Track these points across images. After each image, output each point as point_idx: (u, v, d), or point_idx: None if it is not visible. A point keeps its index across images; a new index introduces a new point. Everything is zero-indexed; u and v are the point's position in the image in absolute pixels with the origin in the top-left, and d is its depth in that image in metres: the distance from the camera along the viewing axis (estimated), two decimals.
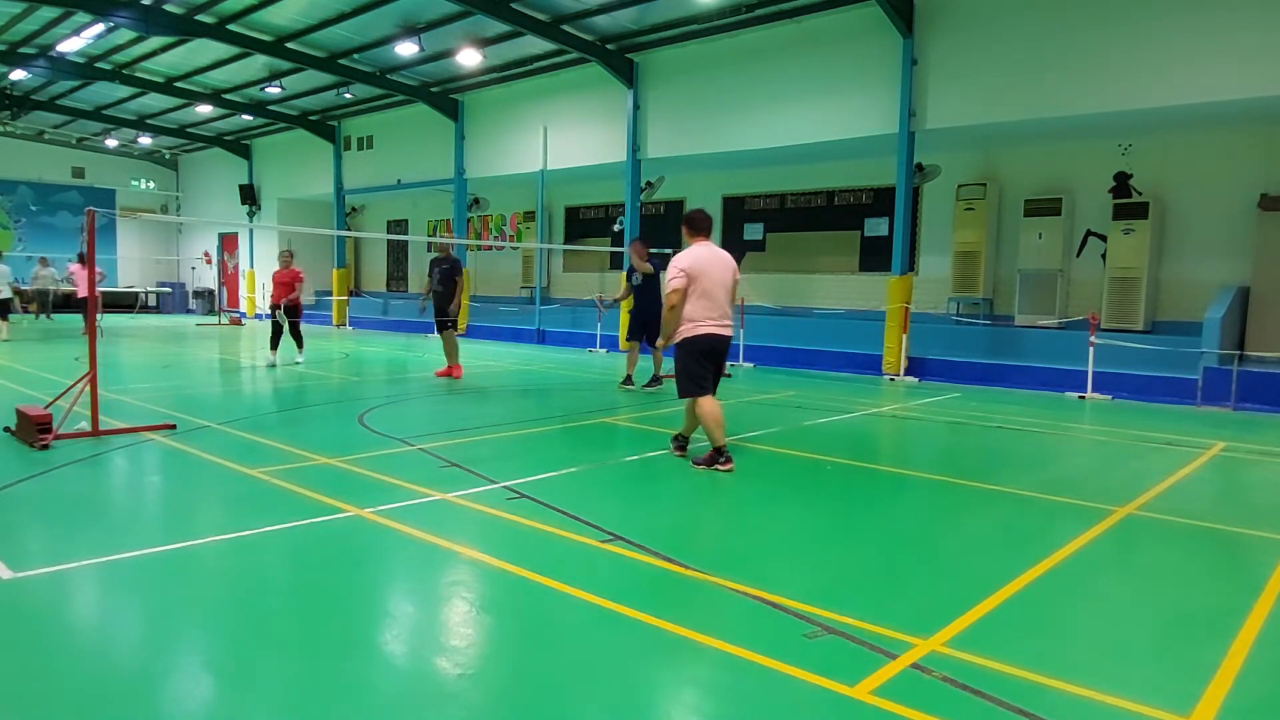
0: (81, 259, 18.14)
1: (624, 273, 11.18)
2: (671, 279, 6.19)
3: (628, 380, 10.84)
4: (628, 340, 11.18)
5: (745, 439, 7.52)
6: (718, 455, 6.16)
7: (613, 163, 16.78)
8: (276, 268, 13.12)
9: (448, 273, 11.64)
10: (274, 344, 12.85)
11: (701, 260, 6.20)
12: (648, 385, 10.68)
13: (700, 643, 3.21)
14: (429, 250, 24.38)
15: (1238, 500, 6.04)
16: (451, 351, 11.83)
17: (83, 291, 17.80)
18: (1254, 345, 11.14)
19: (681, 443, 6.70)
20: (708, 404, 6.20)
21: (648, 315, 10.58)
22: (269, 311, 12.77)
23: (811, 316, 15.55)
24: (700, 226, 6.44)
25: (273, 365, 12.55)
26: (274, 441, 6.89)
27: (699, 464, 6.28)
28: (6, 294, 16.18)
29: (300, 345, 13.06)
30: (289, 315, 12.92)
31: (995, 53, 11.80)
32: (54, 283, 22.94)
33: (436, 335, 12.48)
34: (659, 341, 6.74)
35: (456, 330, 11.98)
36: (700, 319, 6.18)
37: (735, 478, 6.23)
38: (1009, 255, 13.66)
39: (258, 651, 3.13)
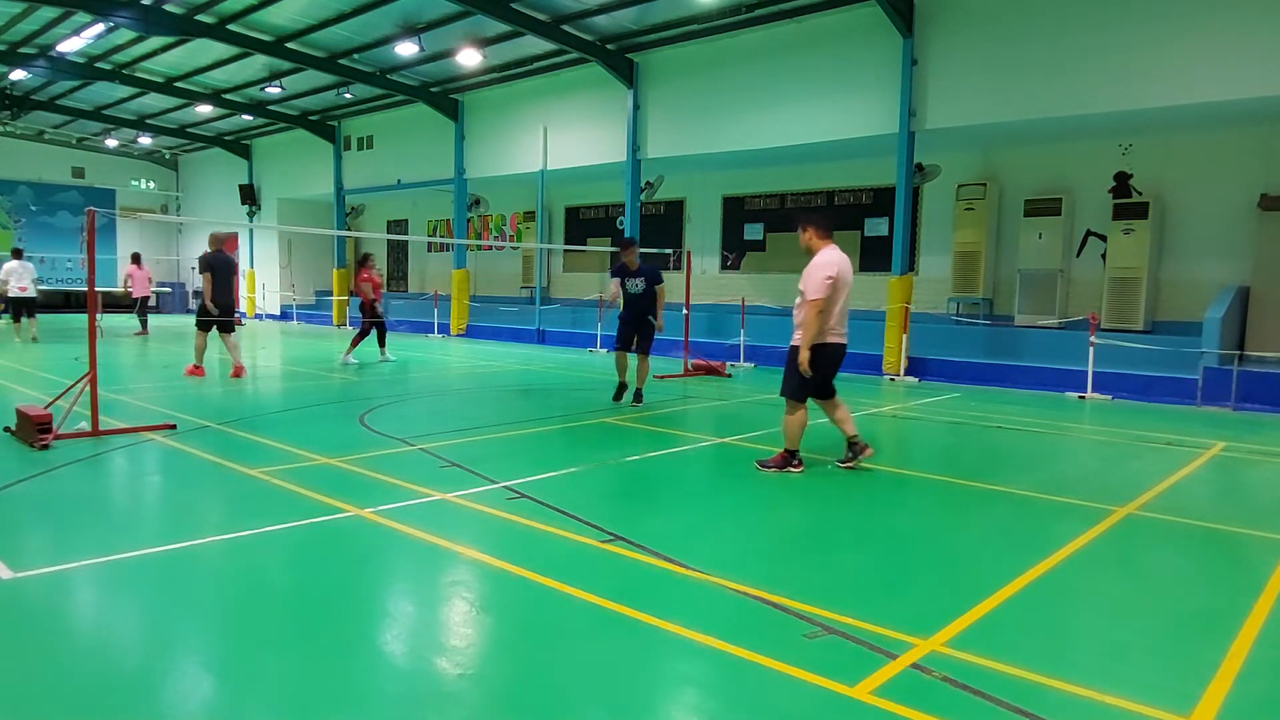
0: (136, 260, 18.60)
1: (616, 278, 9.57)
2: (822, 282, 5.89)
3: (637, 395, 9.55)
4: (618, 348, 9.66)
5: (746, 439, 7.51)
6: (790, 458, 6.16)
7: (613, 163, 16.78)
8: (362, 271, 13.31)
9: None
10: (381, 342, 13.32)
11: (843, 268, 6.04)
12: (629, 400, 9.51)
13: (700, 643, 3.21)
14: (429, 250, 24.42)
15: (1238, 500, 6.04)
16: (197, 350, 11.17)
17: (137, 292, 18.32)
18: (1254, 345, 11.14)
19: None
20: (803, 413, 6.16)
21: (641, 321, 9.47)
22: (369, 314, 13.23)
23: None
24: (830, 230, 6.26)
25: (387, 360, 13.22)
26: (274, 441, 6.89)
27: (767, 466, 6.17)
28: (31, 292, 16.08)
29: (355, 345, 13.27)
30: (370, 314, 13.28)
31: (995, 53, 11.80)
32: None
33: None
34: (804, 354, 5.98)
35: (207, 330, 11.11)
36: (830, 328, 6.02)
37: (735, 478, 6.23)
38: (1009, 255, 13.66)
39: (258, 651, 3.13)
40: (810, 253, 6.18)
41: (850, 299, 6.23)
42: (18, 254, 16.44)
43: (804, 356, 5.93)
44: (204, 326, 11.11)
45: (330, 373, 12.25)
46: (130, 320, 19.00)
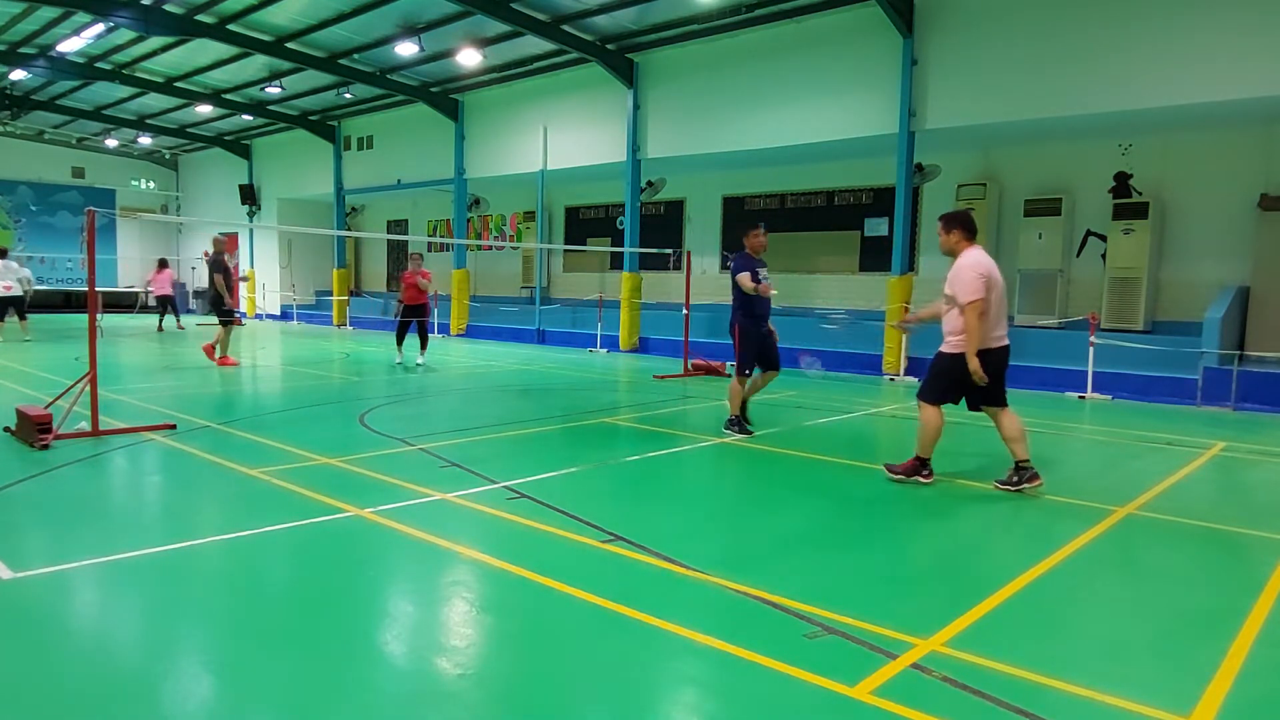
0: (162, 264, 19.91)
1: (743, 273, 7.58)
2: (976, 281, 5.57)
3: (742, 423, 7.72)
4: (746, 372, 7.72)
5: (746, 439, 7.51)
6: (921, 466, 5.86)
7: (613, 163, 16.78)
8: (407, 269, 13.35)
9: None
10: (401, 342, 13.36)
11: (992, 267, 5.70)
12: (736, 428, 7.67)
13: (701, 643, 3.21)
14: (429, 250, 24.41)
15: (1238, 500, 6.04)
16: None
17: (158, 291, 19.54)
18: (1254, 345, 11.13)
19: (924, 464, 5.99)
20: (939, 416, 5.84)
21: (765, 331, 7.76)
22: (403, 313, 13.33)
23: (812, 316, 15.55)
24: (975, 231, 5.89)
25: (400, 363, 13.16)
26: (274, 441, 6.89)
27: (896, 473, 5.90)
28: (17, 291, 16.16)
29: (424, 345, 13.22)
30: (419, 315, 13.14)
31: (995, 53, 11.79)
32: (28, 283, 23.04)
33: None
34: (973, 362, 5.61)
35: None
36: (991, 333, 5.67)
37: (736, 478, 6.23)
38: (1009, 255, 13.64)
39: (258, 651, 3.13)
40: (953, 255, 5.86)
41: (1005, 300, 5.89)
42: (1, 253, 16.43)
43: (974, 365, 5.58)
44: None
45: (331, 373, 12.26)
46: (132, 320, 19.27)
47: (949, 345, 5.81)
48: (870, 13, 12.61)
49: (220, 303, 12.33)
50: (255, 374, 11.96)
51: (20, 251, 25.71)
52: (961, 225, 5.87)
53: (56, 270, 26.98)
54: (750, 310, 7.60)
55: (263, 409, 8.99)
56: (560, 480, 5.81)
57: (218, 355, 12.39)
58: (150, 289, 19.86)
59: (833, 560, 4.38)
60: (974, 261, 5.67)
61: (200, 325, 22.13)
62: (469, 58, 16.44)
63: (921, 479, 5.85)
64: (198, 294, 29.81)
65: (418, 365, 12.88)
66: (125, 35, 17.29)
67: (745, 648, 3.14)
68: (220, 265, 12.48)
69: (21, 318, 16.16)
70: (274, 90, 20.08)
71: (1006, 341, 5.80)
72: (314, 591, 3.77)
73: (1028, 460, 5.75)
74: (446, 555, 4.23)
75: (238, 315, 12.86)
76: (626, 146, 16.32)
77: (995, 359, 5.71)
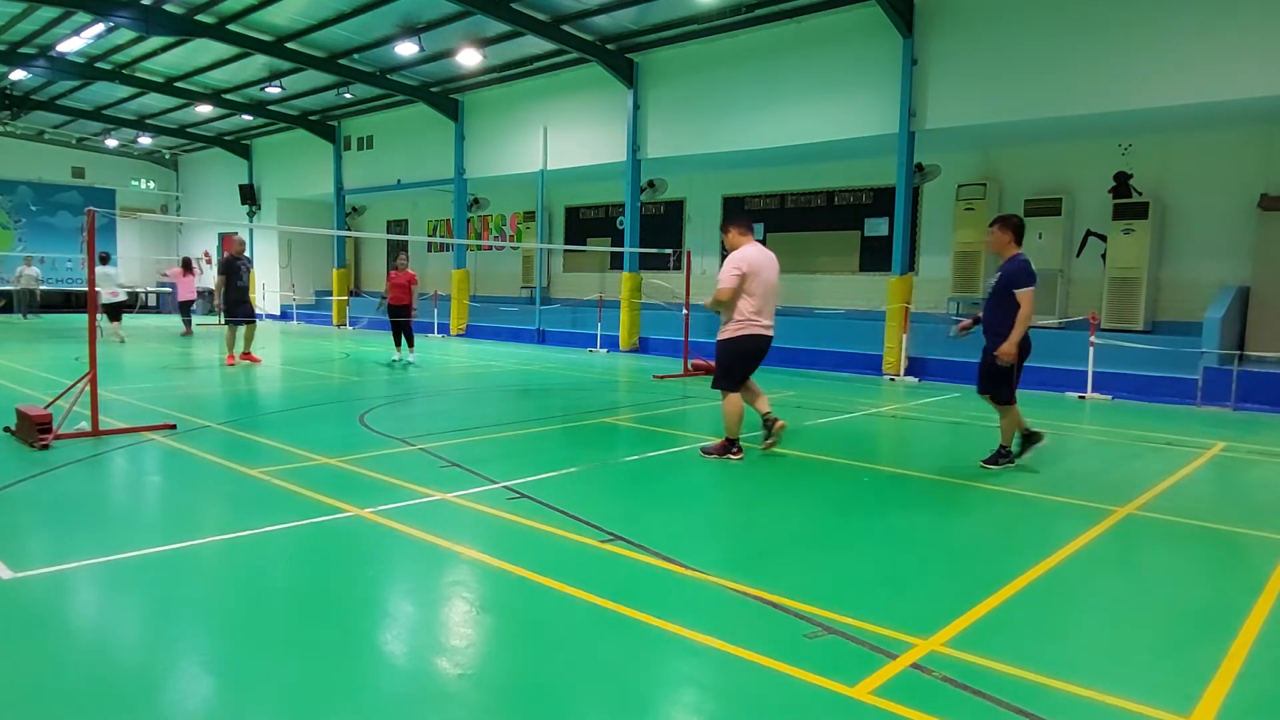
0: (185, 265, 19.51)
1: (1003, 283, 6.39)
2: (729, 275, 6.36)
3: (1008, 454, 6.56)
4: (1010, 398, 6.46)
5: (746, 439, 7.50)
6: (730, 446, 6.53)
7: (613, 163, 16.78)
8: (393, 270, 13.65)
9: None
10: (398, 341, 13.70)
11: (756, 261, 6.42)
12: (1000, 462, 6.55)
13: (700, 643, 3.21)
14: (429, 250, 24.42)
15: (1238, 500, 6.04)
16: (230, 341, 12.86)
17: (182, 295, 19.29)
18: (1254, 345, 11.13)
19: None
20: (736, 399, 6.56)
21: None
22: (388, 313, 13.67)
23: (812, 316, 15.55)
24: (750, 228, 6.79)
25: (396, 361, 13.47)
26: (274, 441, 6.89)
27: (710, 454, 6.60)
28: (122, 296, 16.23)
29: (411, 344, 13.51)
30: (404, 315, 13.44)
31: (995, 53, 11.80)
32: (37, 283, 23.18)
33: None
34: (708, 300, 6.73)
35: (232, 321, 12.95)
36: (751, 318, 6.42)
37: (736, 477, 6.23)
38: None
39: (258, 651, 3.13)
40: (734, 250, 6.60)
41: (778, 294, 6.67)
42: (103, 259, 16.20)
43: (707, 301, 6.65)
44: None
45: (328, 373, 12.26)
46: (131, 320, 19.15)
47: (723, 333, 6.54)
48: (870, 13, 12.61)
49: (232, 304, 12.68)
50: (255, 374, 11.95)
51: (20, 251, 25.75)
52: (734, 225, 6.70)
53: (57, 270, 26.99)
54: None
55: (262, 409, 8.99)
56: (560, 480, 5.81)
57: (237, 353, 12.71)
58: (177, 291, 19.32)
59: (833, 560, 4.38)
60: (737, 256, 6.41)
61: (201, 325, 22.17)
62: (469, 58, 16.44)
63: (731, 457, 6.46)
64: (198, 294, 29.83)
65: (409, 364, 12.92)
66: (125, 35, 17.29)
67: (745, 648, 3.14)
68: (225, 266, 12.78)
69: (116, 320, 16.25)
70: (274, 90, 20.08)
71: (771, 332, 6.52)
72: (314, 591, 3.77)
73: (769, 413, 6.68)
74: (446, 555, 4.23)
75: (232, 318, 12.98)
76: (626, 146, 16.32)
77: (758, 344, 6.47)
